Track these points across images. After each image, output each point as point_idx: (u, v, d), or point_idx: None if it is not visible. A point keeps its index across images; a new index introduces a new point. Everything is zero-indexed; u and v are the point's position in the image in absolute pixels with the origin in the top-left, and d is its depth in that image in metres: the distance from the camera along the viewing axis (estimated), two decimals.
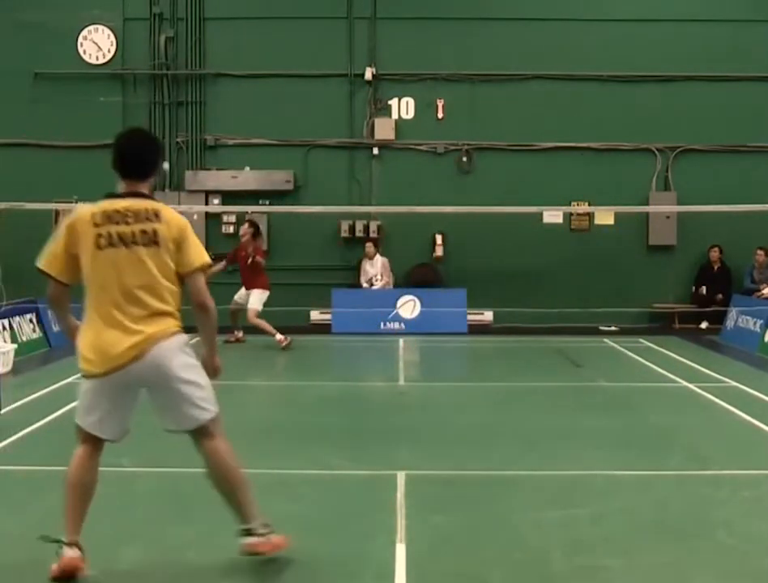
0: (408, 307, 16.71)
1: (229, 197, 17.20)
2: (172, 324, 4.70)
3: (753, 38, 17.47)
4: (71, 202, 17.02)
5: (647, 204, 17.37)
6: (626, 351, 13.87)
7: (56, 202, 16.63)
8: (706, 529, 5.61)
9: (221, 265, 14.08)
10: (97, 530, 5.53)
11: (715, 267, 17.19)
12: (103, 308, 4.64)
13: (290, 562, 5.02)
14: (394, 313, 16.64)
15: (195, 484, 6.54)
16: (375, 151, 17.70)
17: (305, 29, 17.52)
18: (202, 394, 4.75)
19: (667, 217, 17.29)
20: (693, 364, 12.48)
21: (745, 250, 16.90)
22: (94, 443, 4.80)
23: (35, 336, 13.90)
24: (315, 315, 16.84)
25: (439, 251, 17.54)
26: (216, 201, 17.24)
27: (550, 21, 17.49)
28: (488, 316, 16.90)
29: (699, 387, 10.64)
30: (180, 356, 4.69)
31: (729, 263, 17.19)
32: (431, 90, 17.66)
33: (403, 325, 16.58)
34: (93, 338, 4.64)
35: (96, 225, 4.64)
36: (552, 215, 17.50)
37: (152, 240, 4.65)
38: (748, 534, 5.51)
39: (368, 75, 17.47)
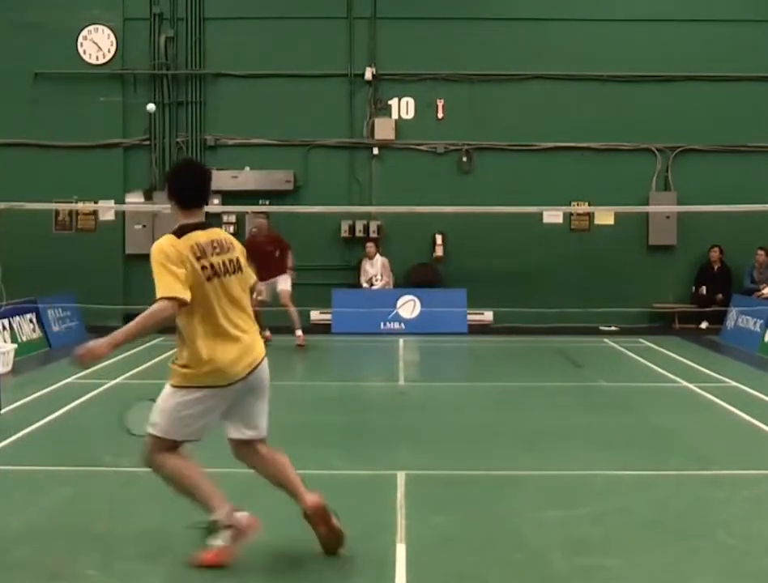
0: (408, 307, 16.71)
1: (229, 197, 17.19)
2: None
3: (753, 38, 17.47)
4: (71, 202, 17.10)
5: (647, 204, 17.37)
6: (626, 351, 13.87)
7: (56, 202, 16.64)
8: (706, 529, 5.61)
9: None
10: (97, 530, 5.54)
11: (715, 267, 17.19)
12: (215, 328, 4.96)
13: (290, 562, 5.02)
14: (394, 313, 16.64)
15: None
16: (375, 151, 17.70)
17: (304, 29, 17.51)
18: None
19: (667, 217, 17.29)
20: (693, 364, 12.48)
21: (745, 250, 16.90)
22: (176, 446, 5.05)
23: (35, 336, 13.90)
24: (315, 315, 16.82)
25: (439, 251, 17.54)
26: (216, 201, 17.20)
27: (550, 21, 17.49)
28: (488, 316, 16.90)
29: (699, 387, 10.64)
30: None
31: (729, 263, 17.19)
32: (431, 90, 17.66)
33: (403, 325, 16.58)
34: (212, 352, 4.94)
35: (198, 258, 4.95)
36: (552, 215, 17.50)
37: (237, 267, 5.11)
38: (748, 534, 5.51)
39: (368, 75, 17.47)
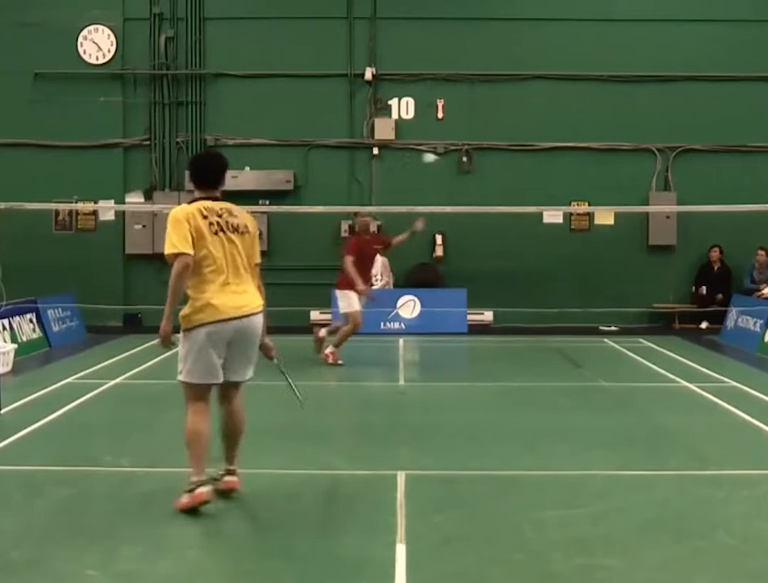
0: (408, 307, 16.71)
1: (229, 197, 16.91)
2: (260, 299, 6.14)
3: (753, 38, 17.47)
4: (71, 202, 17.09)
5: (647, 204, 17.37)
6: (626, 351, 13.87)
7: (56, 202, 16.64)
8: (706, 529, 5.61)
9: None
10: (97, 530, 5.54)
11: (715, 267, 17.19)
12: (218, 276, 5.90)
13: (290, 562, 5.02)
14: (394, 313, 16.64)
15: None
16: (375, 151, 17.70)
17: (304, 29, 17.52)
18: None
19: (667, 217, 17.28)
20: (693, 364, 12.48)
21: (745, 250, 16.91)
22: (204, 395, 6.02)
23: (35, 336, 13.90)
24: (315, 315, 16.82)
25: (439, 251, 17.54)
26: None
27: (550, 21, 17.50)
28: (488, 316, 16.90)
29: (699, 387, 10.64)
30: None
31: (729, 263, 17.19)
32: (431, 90, 17.67)
33: (403, 325, 16.58)
34: (211, 295, 5.89)
35: (204, 217, 5.93)
36: (552, 215, 17.50)
37: (244, 230, 6.08)
38: (748, 534, 5.51)
39: (368, 75, 17.47)
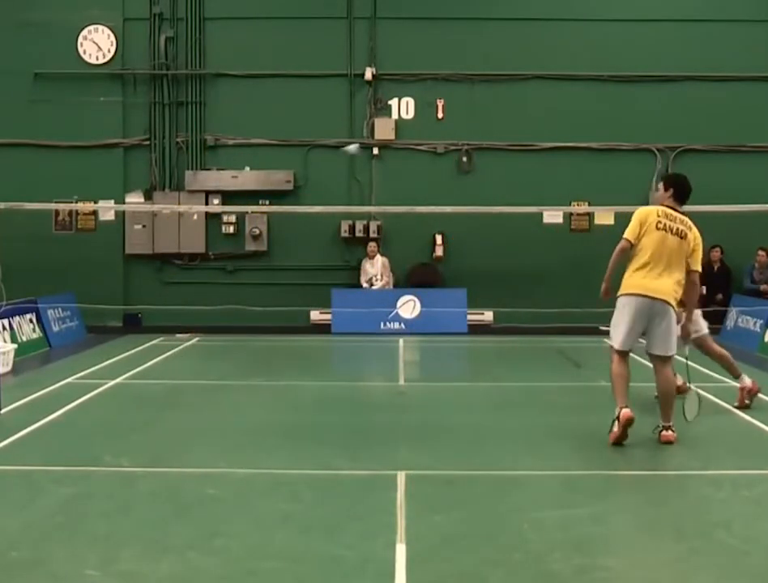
0: (408, 307, 16.71)
1: (229, 197, 17.19)
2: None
3: (753, 38, 17.46)
4: (71, 202, 17.09)
5: (647, 204, 17.29)
6: None
7: (56, 202, 16.64)
8: (706, 529, 5.61)
9: None
10: (97, 530, 5.54)
11: (715, 267, 17.18)
12: (645, 264, 7.87)
13: (290, 562, 5.02)
14: (394, 313, 16.64)
15: (195, 484, 6.56)
16: (375, 151, 17.70)
17: (304, 29, 17.51)
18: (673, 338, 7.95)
19: None
20: (693, 364, 12.44)
21: (745, 250, 16.89)
22: (624, 355, 8.02)
23: (35, 336, 13.90)
24: (315, 315, 16.82)
25: (439, 251, 17.52)
26: (216, 201, 17.22)
27: (550, 21, 17.48)
28: (488, 316, 16.89)
29: (699, 387, 10.61)
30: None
31: (729, 263, 17.18)
32: (431, 90, 17.65)
33: (403, 325, 16.58)
34: (637, 274, 7.92)
35: (659, 216, 7.96)
36: (552, 215, 17.49)
37: (682, 235, 7.98)
38: (748, 534, 5.51)
39: (368, 75, 17.45)
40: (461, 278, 17.26)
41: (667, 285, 7.79)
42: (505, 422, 8.94)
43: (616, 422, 7.63)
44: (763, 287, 16.44)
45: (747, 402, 9.58)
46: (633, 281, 7.88)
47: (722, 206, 15.48)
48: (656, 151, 17.58)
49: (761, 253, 16.70)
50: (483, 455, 7.50)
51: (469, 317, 16.62)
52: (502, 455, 7.53)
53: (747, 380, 9.71)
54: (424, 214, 16.34)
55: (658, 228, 7.89)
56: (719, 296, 16.67)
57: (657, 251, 7.83)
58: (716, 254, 17.11)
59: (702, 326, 10.18)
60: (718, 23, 17.41)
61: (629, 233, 8.00)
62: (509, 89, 17.57)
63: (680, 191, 8.20)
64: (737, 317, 15.24)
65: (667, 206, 8.05)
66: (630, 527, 5.64)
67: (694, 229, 8.10)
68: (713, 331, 16.09)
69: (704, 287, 16.95)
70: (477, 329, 16.44)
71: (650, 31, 17.48)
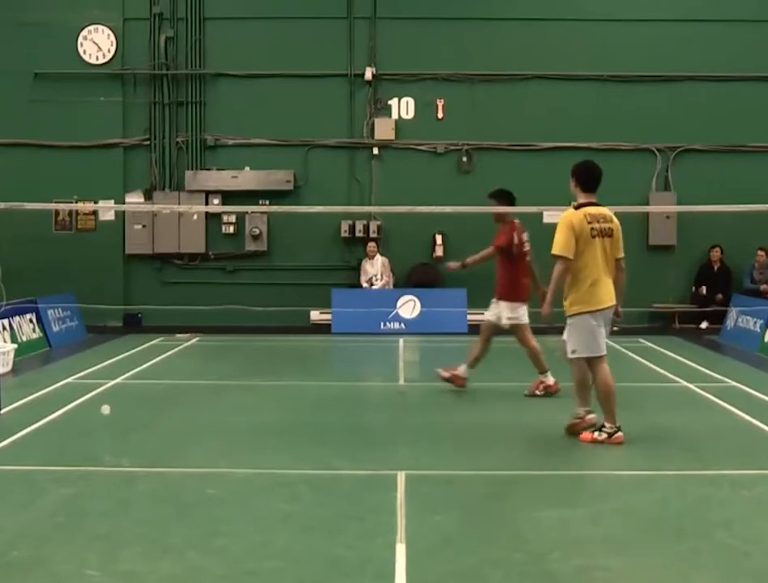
0: (408, 307, 16.70)
1: (229, 197, 17.18)
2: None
3: (753, 38, 17.46)
4: (71, 202, 17.09)
5: (647, 204, 17.34)
6: (626, 351, 13.85)
7: (56, 202, 16.63)
8: (706, 529, 5.61)
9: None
10: (97, 530, 5.54)
11: (715, 267, 17.19)
12: (593, 273, 7.56)
13: (290, 562, 5.02)
14: (394, 313, 16.64)
15: (195, 484, 6.56)
16: (375, 151, 17.69)
17: (304, 29, 17.51)
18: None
19: (667, 217, 17.27)
20: (693, 364, 12.48)
21: (745, 250, 16.90)
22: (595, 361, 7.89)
23: (35, 336, 13.90)
24: (315, 315, 16.82)
25: (439, 251, 17.52)
26: (216, 201, 17.22)
27: (550, 21, 17.48)
28: (488, 316, 16.84)
29: (699, 387, 10.64)
30: None
31: (729, 263, 17.18)
32: (431, 90, 17.65)
33: (403, 325, 16.58)
34: (592, 288, 7.61)
35: (589, 222, 7.57)
36: (552, 215, 17.46)
37: (609, 234, 7.68)
38: (748, 534, 5.51)
39: (368, 75, 17.45)
40: (461, 278, 17.22)
41: (611, 286, 7.75)
42: (505, 421, 8.94)
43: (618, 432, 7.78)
44: (763, 287, 16.48)
45: (538, 393, 10.21)
46: (591, 297, 7.63)
47: (722, 206, 15.42)
48: (656, 151, 17.58)
49: (760, 253, 16.71)
50: (483, 455, 7.50)
51: (469, 317, 16.60)
52: (502, 455, 7.53)
53: (551, 379, 10.30)
54: (424, 214, 16.27)
55: (593, 236, 7.58)
56: (719, 296, 16.68)
57: (600, 261, 7.60)
58: (716, 254, 17.13)
59: (521, 315, 11.04)
60: (718, 23, 17.41)
61: (565, 249, 7.50)
62: (509, 89, 17.57)
63: (583, 179, 7.92)
64: (737, 317, 15.24)
65: (587, 204, 7.75)
66: (630, 527, 5.63)
67: (615, 219, 7.85)
68: (713, 331, 16.22)
69: (704, 287, 17.11)
70: (477, 329, 16.36)
71: (650, 31, 17.48)
